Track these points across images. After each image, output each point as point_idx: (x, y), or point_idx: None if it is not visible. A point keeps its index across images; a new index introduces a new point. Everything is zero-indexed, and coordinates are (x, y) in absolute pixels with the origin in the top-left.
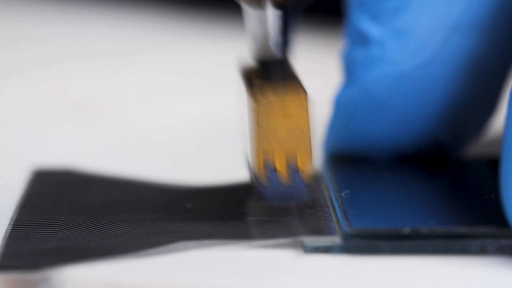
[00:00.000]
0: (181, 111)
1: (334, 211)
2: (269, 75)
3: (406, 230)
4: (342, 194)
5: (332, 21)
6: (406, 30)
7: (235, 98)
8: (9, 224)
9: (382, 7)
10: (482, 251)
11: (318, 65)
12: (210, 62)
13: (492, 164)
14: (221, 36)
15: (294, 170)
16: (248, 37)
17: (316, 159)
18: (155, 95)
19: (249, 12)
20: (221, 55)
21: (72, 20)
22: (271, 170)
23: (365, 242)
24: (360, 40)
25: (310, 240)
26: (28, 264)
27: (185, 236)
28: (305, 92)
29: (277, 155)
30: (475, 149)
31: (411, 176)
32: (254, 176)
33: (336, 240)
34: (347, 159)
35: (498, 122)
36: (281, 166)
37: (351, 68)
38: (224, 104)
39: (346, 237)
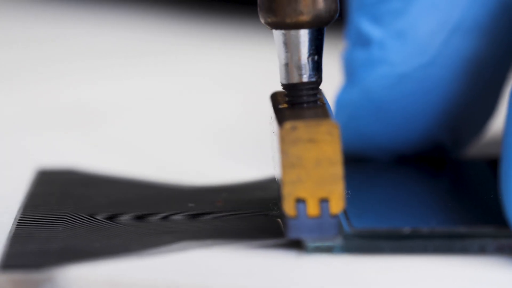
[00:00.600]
0: (183, 113)
1: None
2: (297, 100)
3: (407, 230)
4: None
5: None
6: (406, 32)
7: (239, 100)
8: (13, 224)
9: (383, 9)
10: (481, 250)
11: None
12: (214, 64)
13: (492, 164)
14: (225, 39)
15: (323, 202)
16: (277, 60)
17: None
18: (158, 97)
19: (278, 36)
20: (225, 57)
21: (73, 22)
22: (298, 201)
23: (366, 242)
24: (361, 41)
25: (312, 240)
26: (32, 264)
27: (188, 236)
28: (333, 118)
29: (304, 186)
30: (475, 149)
31: (411, 176)
32: (282, 208)
33: (337, 240)
34: (347, 159)
35: (497, 122)
36: (308, 198)
37: (351, 69)
38: (227, 106)
39: (347, 237)
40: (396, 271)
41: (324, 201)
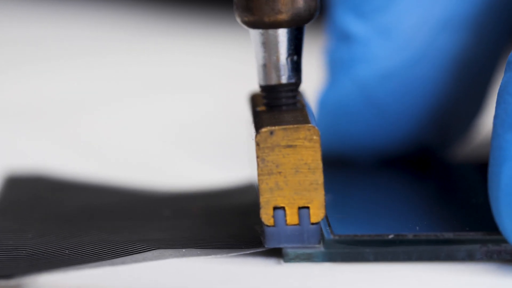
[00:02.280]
0: (158, 114)
1: None
2: (275, 102)
3: (390, 236)
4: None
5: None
6: (391, 28)
7: (217, 100)
8: None
9: (367, 5)
10: (469, 257)
11: None
12: (190, 64)
13: (480, 168)
14: (201, 37)
15: (302, 209)
16: (255, 62)
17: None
18: (131, 97)
19: (255, 36)
20: (202, 57)
21: (43, 21)
22: (276, 209)
23: (348, 249)
24: (344, 38)
25: (291, 247)
26: (0, 272)
27: (162, 244)
28: (313, 122)
29: (282, 194)
30: (464, 152)
31: (396, 180)
32: (259, 216)
33: (318, 247)
34: (330, 162)
35: (487, 124)
36: (287, 206)
37: (334, 68)
38: (204, 107)
39: (328, 244)
40: (379, 279)
41: (303, 209)
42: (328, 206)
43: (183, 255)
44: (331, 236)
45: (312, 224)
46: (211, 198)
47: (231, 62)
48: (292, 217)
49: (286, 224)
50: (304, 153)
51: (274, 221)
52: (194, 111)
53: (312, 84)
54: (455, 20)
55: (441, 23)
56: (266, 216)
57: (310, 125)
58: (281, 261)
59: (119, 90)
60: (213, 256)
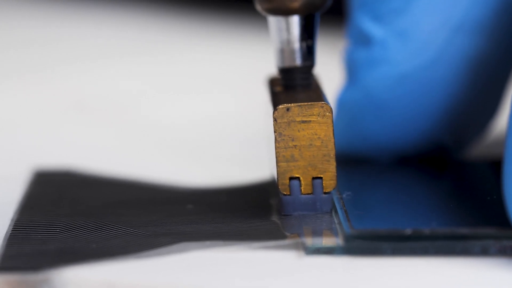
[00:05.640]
0: (182, 112)
1: (336, 212)
2: (291, 83)
3: (408, 231)
4: (344, 196)
5: (332, 20)
6: (408, 31)
7: (237, 98)
8: (9, 225)
9: (384, 8)
10: (483, 252)
11: (319, 66)
12: (212, 63)
13: (494, 166)
14: (223, 37)
15: (315, 179)
16: (272, 45)
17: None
18: (156, 96)
19: (273, 22)
20: (223, 56)
21: (73, 22)
22: (291, 178)
23: (367, 243)
24: (362, 40)
25: (312, 241)
26: (28, 265)
27: (187, 237)
28: (326, 100)
29: (297, 165)
30: (478, 150)
31: (413, 177)
32: (275, 185)
33: (337, 241)
34: (348, 160)
35: (501, 123)
36: (301, 175)
37: (353, 69)
38: (226, 105)
39: (347, 238)
40: (397, 273)
41: (317, 179)
42: (348, 202)
43: (207, 247)
44: (351, 231)
45: (325, 193)
46: (232, 193)
47: (250, 60)
48: (306, 187)
49: (301, 194)
50: (318, 128)
51: (290, 191)
52: (218, 109)
53: (332, 85)
54: (471, 23)
55: (457, 26)
56: (283, 186)
57: (323, 102)
58: (301, 254)
59: (139, 90)
60: (235, 247)
